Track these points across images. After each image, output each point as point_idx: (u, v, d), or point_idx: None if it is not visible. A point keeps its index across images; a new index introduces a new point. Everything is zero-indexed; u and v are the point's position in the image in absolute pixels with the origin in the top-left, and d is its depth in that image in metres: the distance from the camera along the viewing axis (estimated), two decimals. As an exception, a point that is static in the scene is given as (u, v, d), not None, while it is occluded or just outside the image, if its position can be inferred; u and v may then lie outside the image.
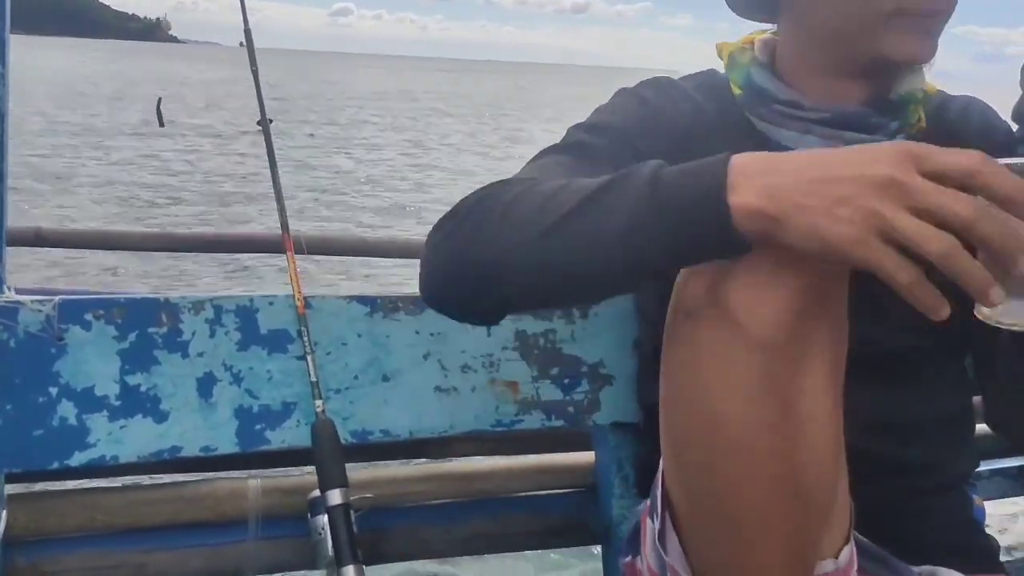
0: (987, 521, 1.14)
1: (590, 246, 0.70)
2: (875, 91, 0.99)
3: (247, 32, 1.43)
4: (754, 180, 0.63)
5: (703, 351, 0.71)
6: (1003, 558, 1.06)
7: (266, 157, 1.37)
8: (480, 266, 0.77)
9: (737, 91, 1.03)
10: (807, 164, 0.63)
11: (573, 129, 0.99)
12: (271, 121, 1.41)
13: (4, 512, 1.13)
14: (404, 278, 6.49)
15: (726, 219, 0.63)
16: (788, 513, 0.70)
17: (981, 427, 1.09)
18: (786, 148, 0.96)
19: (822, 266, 0.68)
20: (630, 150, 0.95)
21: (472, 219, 0.79)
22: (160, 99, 5.42)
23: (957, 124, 1.04)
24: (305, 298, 1.21)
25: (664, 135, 0.98)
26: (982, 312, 0.67)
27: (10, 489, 1.16)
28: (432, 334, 1.26)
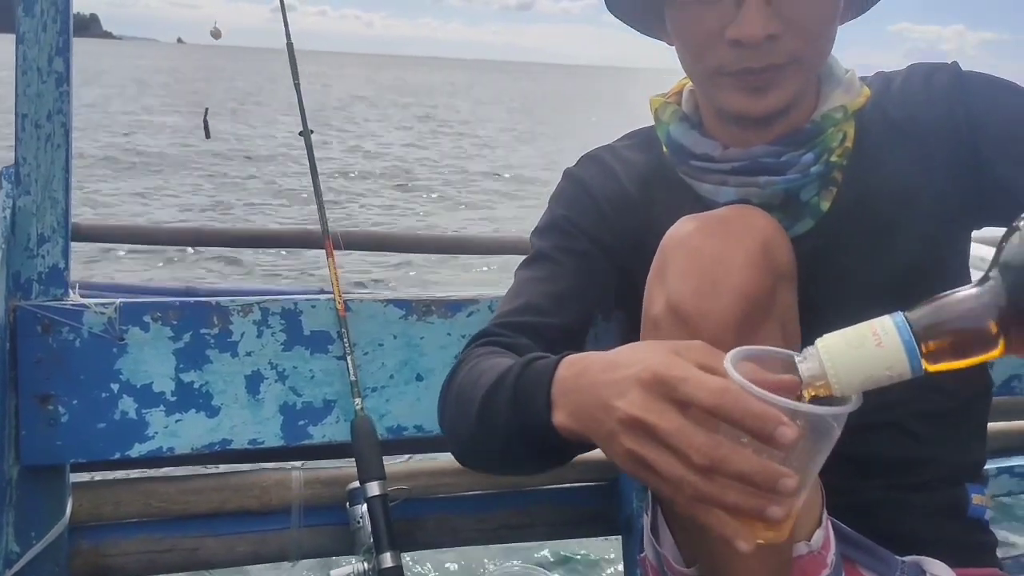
0: (992, 518, 1.17)
1: (489, 437, 0.88)
2: (782, 126, 0.98)
3: (290, 46, 1.50)
4: (568, 398, 0.77)
5: None
6: (1010, 553, 1.11)
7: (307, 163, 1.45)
8: (448, 437, 0.99)
9: (664, 148, 1.07)
10: (595, 386, 0.74)
11: (533, 236, 1.10)
12: (312, 132, 1.49)
13: (70, 500, 1.22)
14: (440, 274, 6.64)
15: (556, 435, 0.78)
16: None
17: (994, 425, 1.13)
18: (711, 200, 1.01)
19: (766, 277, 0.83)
20: (578, 233, 1.06)
21: (444, 397, 1.00)
22: (207, 109, 5.38)
23: (901, 99, 1.03)
24: (345, 301, 1.29)
25: (600, 209, 1.07)
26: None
27: (74, 478, 1.25)
28: (463, 336, 1.34)
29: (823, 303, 0.95)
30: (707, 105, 1.04)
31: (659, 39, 1.06)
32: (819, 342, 0.68)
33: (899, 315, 0.67)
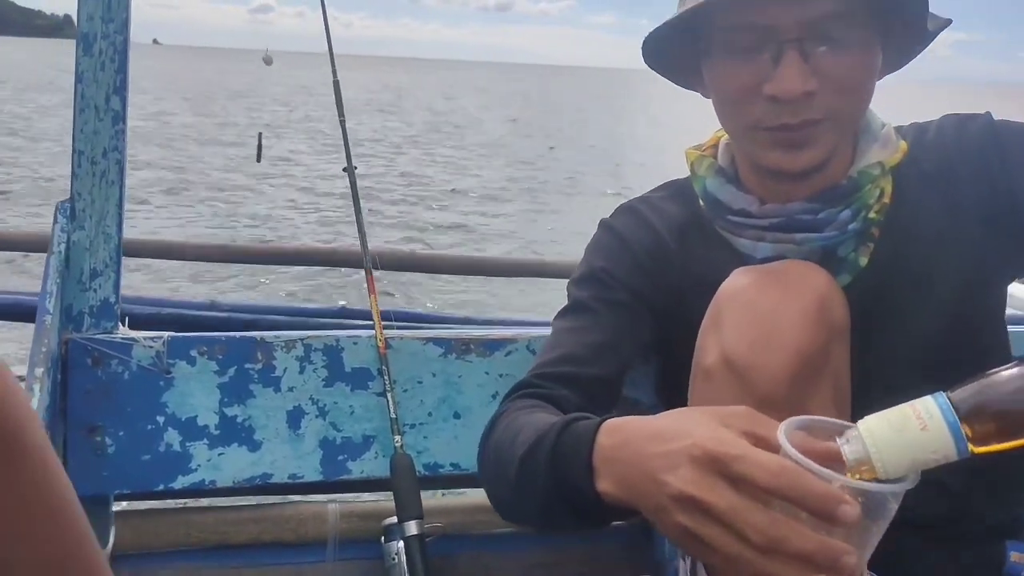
0: None
1: (529, 498, 0.88)
2: (819, 181, 0.99)
3: (336, 84, 1.53)
4: (612, 467, 0.77)
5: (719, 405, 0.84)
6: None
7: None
8: (488, 493, 0.99)
9: (701, 202, 1.07)
10: (641, 458, 0.74)
11: (570, 286, 1.10)
12: (356, 168, 1.51)
13: (112, 528, 1.24)
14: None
15: (598, 501, 0.78)
16: None
17: None
18: (748, 255, 1.01)
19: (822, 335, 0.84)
20: (615, 284, 1.07)
21: (482, 452, 0.99)
22: (261, 133, 5.40)
23: (935, 151, 1.03)
24: (386, 338, 1.31)
25: (637, 260, 1.07)
26: None
27: (116, 507, 1.27)
28: (500, 375, 1.35)
29: (862, 357, 0.95)
30: (744, 159, 1.05)
31: (695, 91, 1.07)
32: (861, 425, 0.67)
33: (942, 396, 0.66)
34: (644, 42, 1.03)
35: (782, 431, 0.67)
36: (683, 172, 1.12)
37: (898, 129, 1.07)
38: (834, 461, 0.68)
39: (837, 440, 0.68)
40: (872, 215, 0.99)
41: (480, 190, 13.32)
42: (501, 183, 13.94)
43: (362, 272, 1.47)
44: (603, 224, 1.14)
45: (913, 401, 0.67)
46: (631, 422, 0.79)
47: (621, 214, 1.14)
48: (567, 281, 1.12)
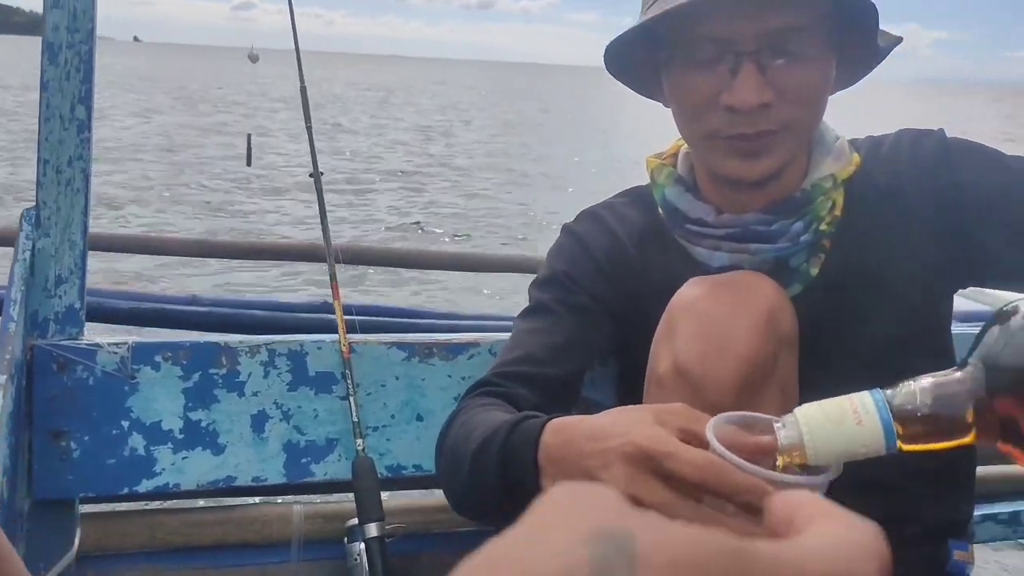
0: (975, 570, 1.20)
1: (481, 494, 0.91)
2: (774, 193, 1.02)
3: (303, 90, 1.55)
4: (555, 466, 0.80)
5: None
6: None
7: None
8: (443, 488, 1.03)
9: (660, 210, 1.10)
10: (581, 456, 0.77)
11: (532, 288, 1.13)
12: (323, 173, 1.53)
13: (78, 531, 1.26)
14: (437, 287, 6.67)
15: None
16: None
17: (979, 469, 1.15)
18: (704, 264, 1.05)
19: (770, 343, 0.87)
20: (576, 288, 1.10)
21: (439, 449, 1.03)
22: (250, 135, 5.23)
23: (889, 165, 1.07)
24: (350, 343, 1.33)
25: (598, 265, 1.10)
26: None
27: (83, 509, 1.29)
28: (463, 378, 1.38)
29: (811, 365, 0.99)
30: (702, 168, 1.08)
31: (656, 100, 1.10)
32: (798, 412, 0.70)
33: (879, 393, 0.69)
34: (606, 50, 1.05)
35: (711, 427, 0.70)
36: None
37: (852, 142, 1.10)
38: (766, 455, 0.71)
39: (774, 425, 0.70)
40: (823, 227, 1.03)
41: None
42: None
43: (336, 270, 1.49)
44: (565, 229, 1.17)
45: (851, 395, 0.70)
46: (574, 421, 0.82)
47: (583, 219, 1.17)
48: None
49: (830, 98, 1.03)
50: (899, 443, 0.69)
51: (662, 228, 1.11)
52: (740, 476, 0.67)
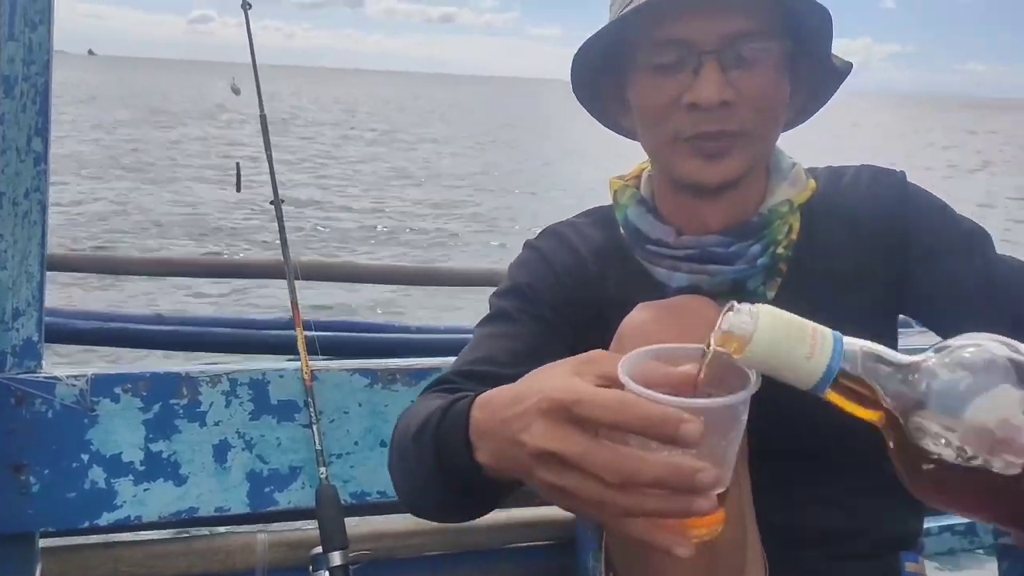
0: None
1: (424, 483, 0.88)
2: (735, 209, 1.05)
3: (263, 118, 1.55)
4: (485, 440, 0.77)
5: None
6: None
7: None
8: (395, 486, 1.00)
9: (621, 230, 1.11)
10: (504, 423, 0.74)
11: (493, 297, 1.13)
12: (284, 202, 1.54)
13: (39, 565, 1.25)
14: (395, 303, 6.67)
15: (484, 475, 0.78)
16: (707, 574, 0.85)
17: None
18: (664, 284, 1.07)
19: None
20: (538, 300, 1.10)
21: (390, 446, 1.01)
22: (239, 163, 5.09)
23: (848, 196, 1.10)
24: (312, 371, 1.34)
25: (559, 280, 1.10)
26: None
27: (44, 543, 1.28)
28: (426, 403, 1.39)
29: (766, 386, 1.02)
30: (663, 185, 1.10)
31: (619, 128, 1.13)
32: (763, 308, 0.67)
33: (840, 341, 0.67)
34: (573, 66, 1.06)
35: (623, 365, 0.68)
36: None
37: (811, 170, 1.13)
38: (689, 385, 0.69)
39: (732, 305, 0.68)
40: (780, 251, 1.05)
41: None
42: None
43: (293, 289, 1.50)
44: (528, 245, 1.18)
45: (816, 326, 0.67)
46: (497, 391, 0.79)
47: (546, 236, 1.18)
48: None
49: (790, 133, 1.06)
50: (828, 391, 0.67)
51: (623, 247, 1.12)
52: (652, 408, 0.63)
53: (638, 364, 0.69)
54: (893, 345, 1.13)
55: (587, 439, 0.66)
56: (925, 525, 1.26)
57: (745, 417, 0.69)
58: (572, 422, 0.67)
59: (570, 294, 1.11)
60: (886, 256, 1.07)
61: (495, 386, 1.03)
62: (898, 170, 1.12)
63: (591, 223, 1.18)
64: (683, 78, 0.98)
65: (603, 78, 1.08)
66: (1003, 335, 0.83)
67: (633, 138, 1.14)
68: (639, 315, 0.97)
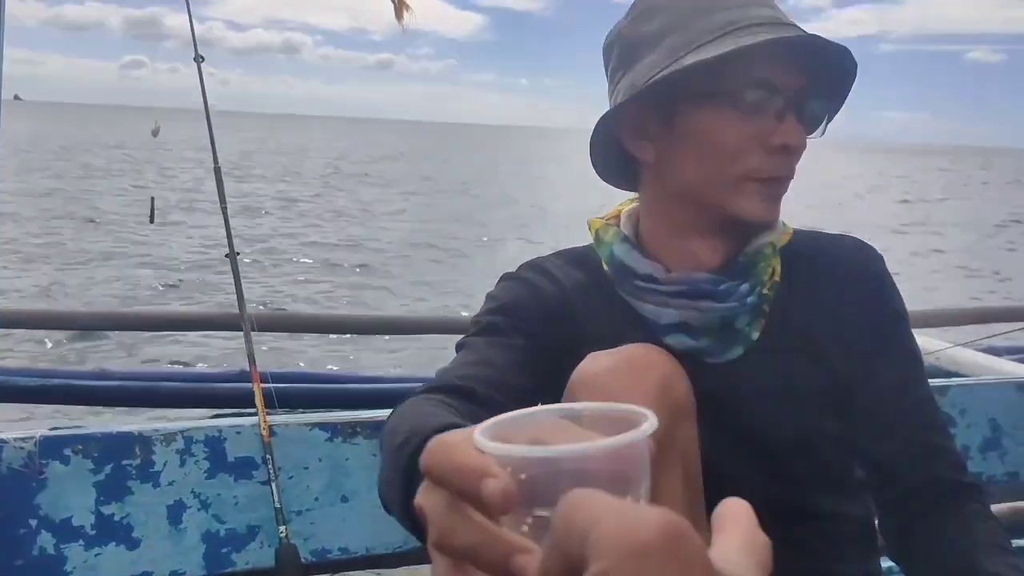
0: None
1: (389, 491, 0.85)
2: (727, 250, 1.08)
3: (217, 170, 1.54)
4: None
5: None
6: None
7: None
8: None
9: (606, 267, 1.11)
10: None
11: (479, 316, 1.10)
12: (239, 254, 1.52)
13: None
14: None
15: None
16: None
17: None
18: (652, 321, 1.07)
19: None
20: (525, 319, 1.09)
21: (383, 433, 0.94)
22: (153, 198, 5.25)
23: (830, 252, 1.12)
24: (270, 426, 1.31)
25: (542, 308, 1.09)
26: None
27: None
28: (388, 456, 1.36)
29: (747, 427, 1.04)
30: (659, 222, 1.11)
31: (621, 187, 1.16)
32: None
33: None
34: (609, 115, 1.06)
35: (482, 427, 0.51)
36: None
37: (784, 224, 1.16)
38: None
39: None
40: (765, 291, 1.08)
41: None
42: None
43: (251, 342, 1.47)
44: (508, 276, 1.16)
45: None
46: (446, 436, 0.71)
47: (526, 269, 1.16)
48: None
49: None
50: None
51: (605, 284, 1.12)
52: (468, 458, 0.49)
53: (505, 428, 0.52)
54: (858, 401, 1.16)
55: (440, 495, 0.52)
56: (885, 565, 1.28)
57: (642, 464, 0.51)
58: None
59: (555, 325, 1.09)
60: (850, 321, 1.10)
61: (496, 391, 1.00)
62: (880, 252, 1.15)
63: (566, 263, 1.17)
64: (763, 120, 1.01)
65: (642, 104, 1.04)
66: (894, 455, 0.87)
67: (622, 178, 1.15)
68: (589, 366, 0.96)
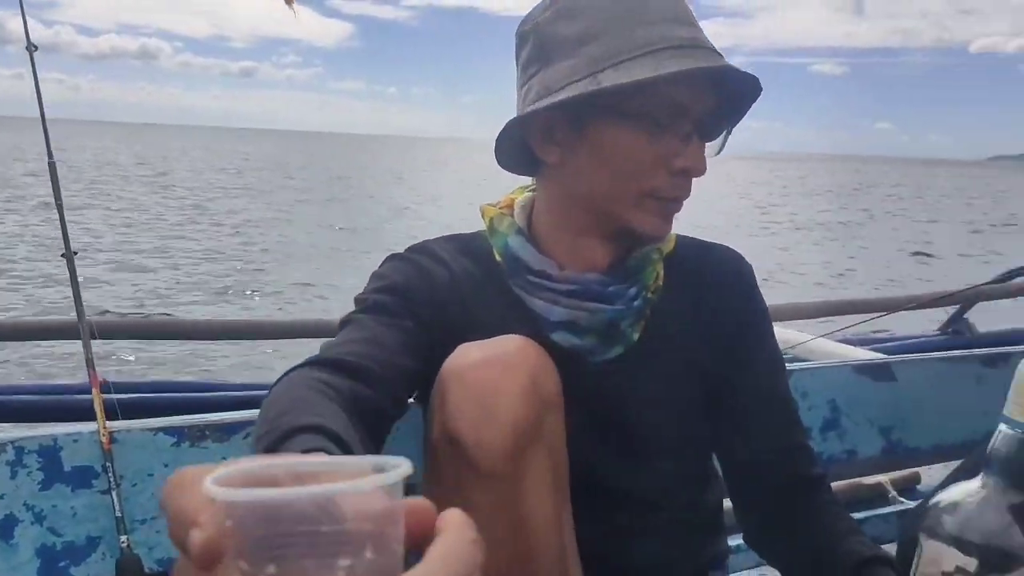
0: None
1: None
2: (616, 253, 1.11)
3: (52, 166, 1.46)
4: None
5: (447, 484, 0.92)
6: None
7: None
8: None
9: (498, 258, 1.13)
10: None
11: (364, 295, 1.09)
12: (76, 253, 1.44)
13: None
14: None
15: None
16: None
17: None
18: (542, 316, 1.09)
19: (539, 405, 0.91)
20: (414, 300, 1.08)
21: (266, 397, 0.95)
22: None
23: (702, 265, 1.18)
24: (111, 432, 1.25)
25: (432, 292, 1.09)
26: None
27: None
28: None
29: (623, 423, 1.09)
30: (556, 220, 1.12)
31: (519, 173, 1.16)
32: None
33: None
34: (522, 117, 1.06)
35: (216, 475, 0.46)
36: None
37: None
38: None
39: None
40: (650, 295, 1.12)
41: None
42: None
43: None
44: (395, 256, 1.14)
45: None
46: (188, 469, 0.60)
47: (416, 251, 1.15)
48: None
49: None
50: None
51: (495, 274, 1.13)
52: (184, 501, 0.48)
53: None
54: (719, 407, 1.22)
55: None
56: (733, 544, 1.35)
57: (393, 514, 0.45)
58: None
59: (443, 311, 1.09)
60: (723, 331, 1.17)
61: (384, 370, 0.97)
62: (749, 265, 1.21)
63: (456, 249, 1.16)
64: (670, 142, 1.03)
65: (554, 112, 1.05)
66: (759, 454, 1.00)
67: (523, 170, 1.16)
68: (460, 357, 0.97)
